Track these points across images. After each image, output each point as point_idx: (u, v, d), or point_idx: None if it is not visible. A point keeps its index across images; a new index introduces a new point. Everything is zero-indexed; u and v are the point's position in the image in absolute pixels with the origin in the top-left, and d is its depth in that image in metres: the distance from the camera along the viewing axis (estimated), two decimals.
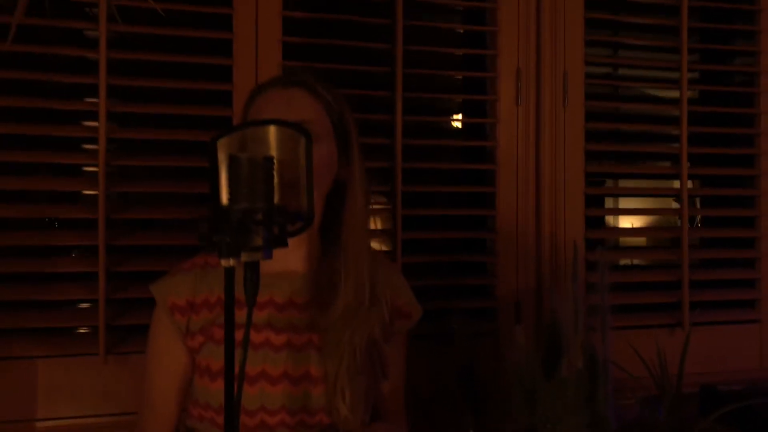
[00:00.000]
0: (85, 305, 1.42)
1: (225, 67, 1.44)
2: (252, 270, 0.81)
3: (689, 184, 1.74)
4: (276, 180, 0.84)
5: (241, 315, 1.06)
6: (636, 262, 1.99)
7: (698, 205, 2.01)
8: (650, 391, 1.51)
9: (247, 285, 0.81)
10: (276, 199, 0.84)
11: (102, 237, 1.34)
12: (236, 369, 0.79)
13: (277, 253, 1.05)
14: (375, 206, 1.54)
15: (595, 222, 1.77)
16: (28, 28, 1.31)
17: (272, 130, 0.87)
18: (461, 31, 1.73)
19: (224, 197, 0.81)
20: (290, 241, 1.06)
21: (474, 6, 1.66)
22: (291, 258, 1.08)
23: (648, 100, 1.94)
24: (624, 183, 2.28)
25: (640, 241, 2.11)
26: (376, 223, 1.58)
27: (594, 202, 1.69)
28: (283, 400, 1.03)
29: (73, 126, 1.44)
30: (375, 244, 1.54)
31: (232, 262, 0.76)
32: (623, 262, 1.89)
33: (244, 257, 0.79)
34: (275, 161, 0.83)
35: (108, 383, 1.38)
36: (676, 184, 1.76)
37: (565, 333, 1.36)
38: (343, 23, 1.51)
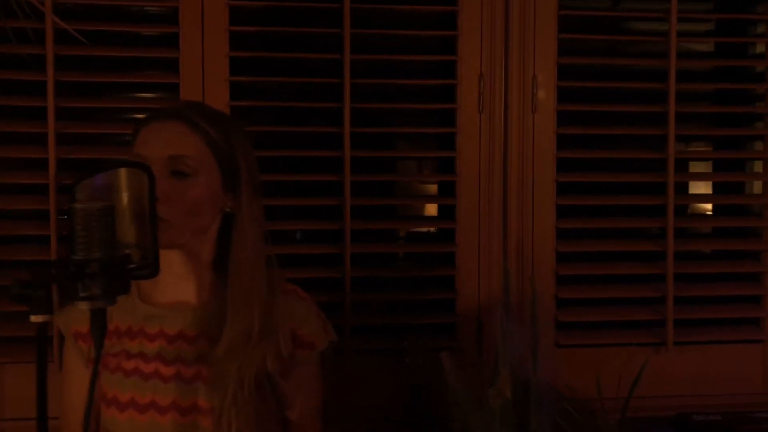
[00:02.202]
0: None
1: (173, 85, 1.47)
2: (97, 317, 0.82)
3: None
4: (128, 221, 0.86)
5: (132, 345, 1.09)
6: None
7: None
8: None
9: (93, 331, 0.82)
10: (133, 239, 0.86)
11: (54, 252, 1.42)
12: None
13: (169, 284, 1.09)
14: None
15: None
16: None
17: (123, 172, 0.88)
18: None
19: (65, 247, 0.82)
20: (181, 273, 1.09)
21: (437, 10, 1.59)
22: (183, 290, 1.10)
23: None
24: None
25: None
26: None
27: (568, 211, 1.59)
28: (173, 430, 1.05)
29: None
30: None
31: (41, 318, 0.77)
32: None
33: (86, 305, 0.81)
34: (122, 206, 0.85)
35: None
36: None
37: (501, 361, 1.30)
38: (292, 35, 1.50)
